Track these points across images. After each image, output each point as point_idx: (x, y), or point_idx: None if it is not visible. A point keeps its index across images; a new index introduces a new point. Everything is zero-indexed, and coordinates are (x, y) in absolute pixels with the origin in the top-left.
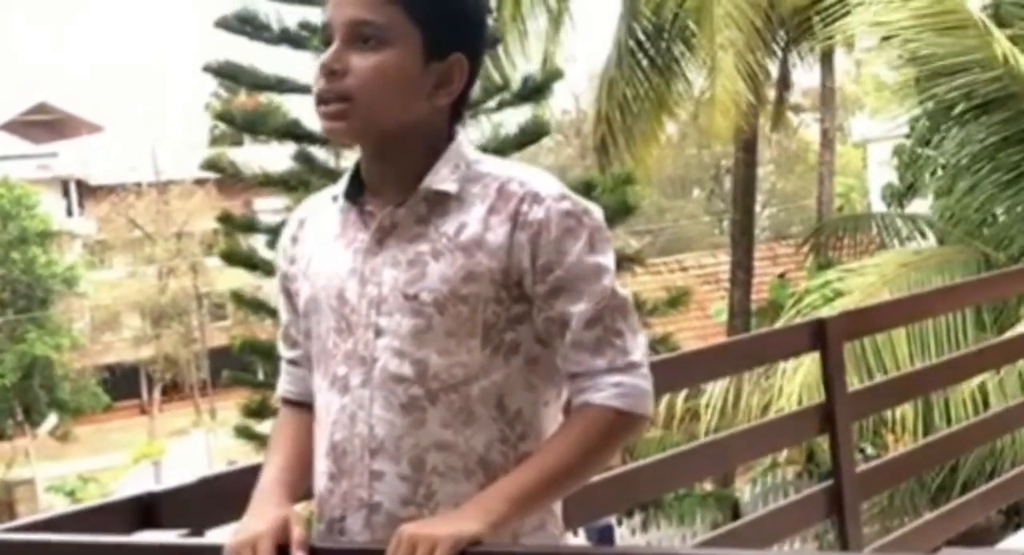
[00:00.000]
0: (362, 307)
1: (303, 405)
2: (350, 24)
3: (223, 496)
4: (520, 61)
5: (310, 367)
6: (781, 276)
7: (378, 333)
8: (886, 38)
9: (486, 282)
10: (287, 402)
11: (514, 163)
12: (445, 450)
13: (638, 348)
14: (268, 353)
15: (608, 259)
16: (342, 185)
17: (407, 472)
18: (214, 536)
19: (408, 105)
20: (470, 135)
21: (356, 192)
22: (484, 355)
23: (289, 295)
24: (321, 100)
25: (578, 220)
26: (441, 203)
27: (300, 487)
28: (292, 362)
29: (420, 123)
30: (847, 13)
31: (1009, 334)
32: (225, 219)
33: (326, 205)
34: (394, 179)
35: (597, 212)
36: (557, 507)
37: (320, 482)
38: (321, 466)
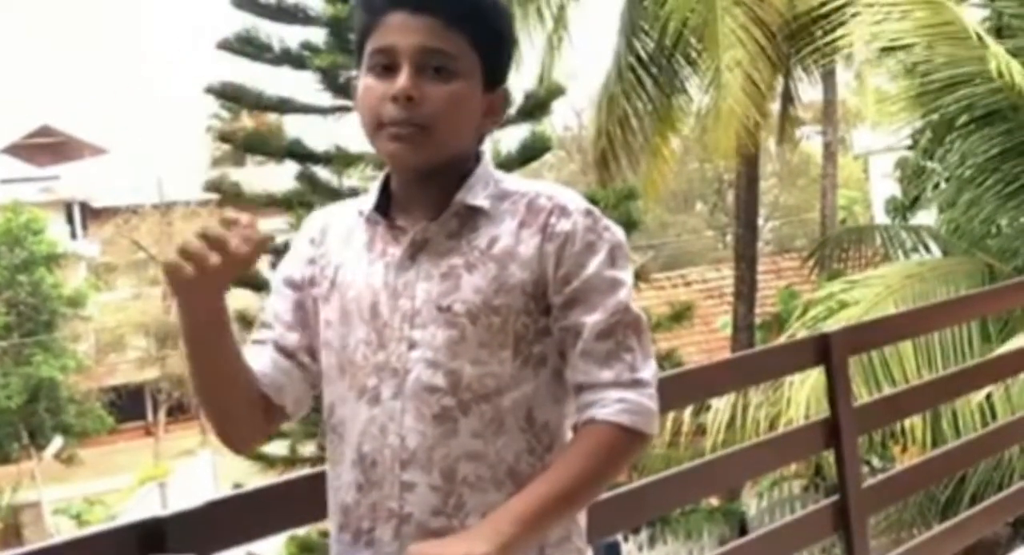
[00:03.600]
0: (395, 321)
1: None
2: (422, 51)
3: (229, 520)
4: (520, 78)
5: (281, 353)
6: (787, 288)
7: (412, 346)
8: (887, 50)
9: (517, 293)
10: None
11: (537, 181)
12: (476, 460)
13: (647, 368)
14: None
15: (626, 275)
16: (371, 199)
17: (438, 482)
18: None
19: (470, 134)
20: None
21: (383, 207)
22: (515, 366)
23: (295, 287)
24: (393, 123)
25: (599, 235)
26: (472, 218)
27: (234, 353)
28: (259, 343)
29: (467, 149)
30: (848, 25)
31: (1014, 345)
32: None
33: (350, 217)
34: (426, 197)
35: (618, 230)
36: (582, 519)
37: (348, 493)
38: (348, 477)
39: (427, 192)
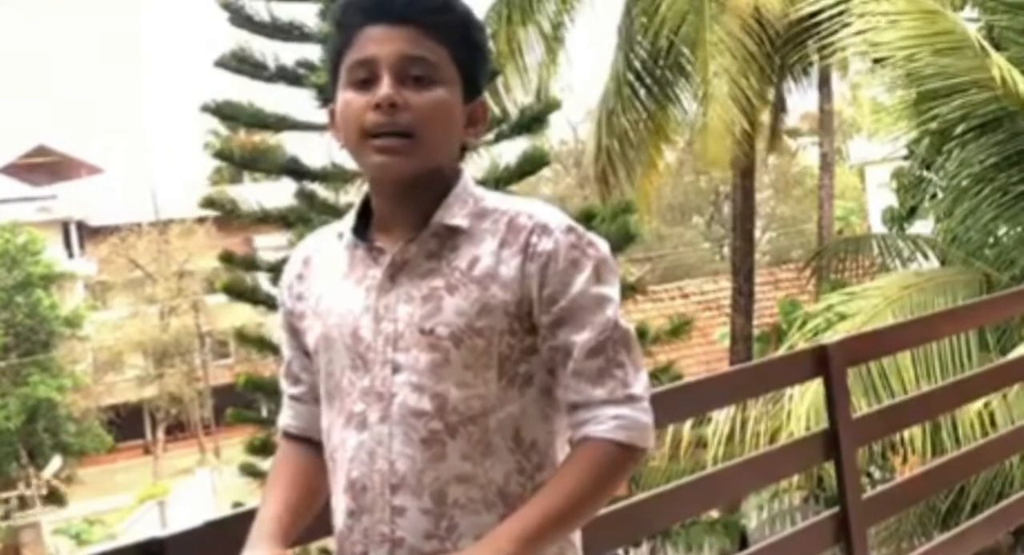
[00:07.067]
0: (378, 344)
1: (304, 440)
2: (403, 59)
3: (230, 540)
4: (517, 92)
5: (313, 404)
6: (786, 298)
7: (396, 369)
8: (881, 59)
9: (500, 314)
10: (288, 436)
11: (518, 197)
12: (465, 482)
13: (639, 382)
14: (272, 390)
15: (613, 291)
16: (348, 222)
17: (429, 506)
18: None
19: (454, 145)
20: (470, 167)
21: (363, 229)
22: (500, 387)
23: (294, 332)
24: (378, 134)
25: (583, 252)
26: (451, 238)
27: (297, 527)
28: (294, 398)
29: (450, 161)
30: (840, 32)
31: (1013, 355)
32: (227, 258)
33: (331, 242)
34: (406, 216)
35: (603, 245)
36: (576, 537)
37: (339, 519)
38: (339, 503)
39: (407, 210)
